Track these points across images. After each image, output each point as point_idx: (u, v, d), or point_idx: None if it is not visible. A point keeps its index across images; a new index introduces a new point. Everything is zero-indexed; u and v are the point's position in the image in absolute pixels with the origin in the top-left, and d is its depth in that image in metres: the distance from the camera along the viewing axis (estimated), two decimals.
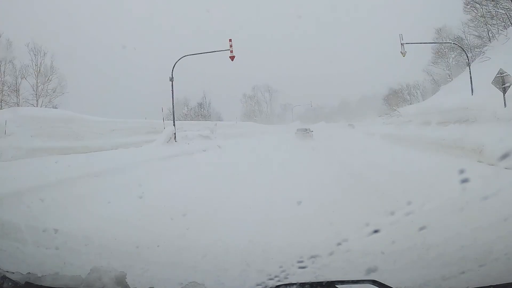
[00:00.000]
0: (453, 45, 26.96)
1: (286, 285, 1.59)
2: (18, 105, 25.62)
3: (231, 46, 18.59)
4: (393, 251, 2.68)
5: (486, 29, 25.26)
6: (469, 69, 18.37)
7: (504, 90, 10.27)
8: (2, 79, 27.26)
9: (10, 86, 27.67)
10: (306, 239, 3.40)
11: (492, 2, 24.38)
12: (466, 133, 10.14)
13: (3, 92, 26.92)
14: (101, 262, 1.94)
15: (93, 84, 45.69)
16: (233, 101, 54.99)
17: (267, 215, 4.69)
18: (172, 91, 18.32)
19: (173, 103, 18.71)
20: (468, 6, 26.30)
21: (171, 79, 18.19)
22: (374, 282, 1.64)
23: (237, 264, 2.69)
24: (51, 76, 29.16)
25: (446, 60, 30.91)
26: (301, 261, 1.62)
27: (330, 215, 4.45)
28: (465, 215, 3.24)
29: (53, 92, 29.23)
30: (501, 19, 24.73)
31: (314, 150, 15.94)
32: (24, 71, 28.51)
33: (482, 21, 25.43)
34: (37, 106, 27.04)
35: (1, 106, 24.95)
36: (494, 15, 24.72)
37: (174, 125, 17.73)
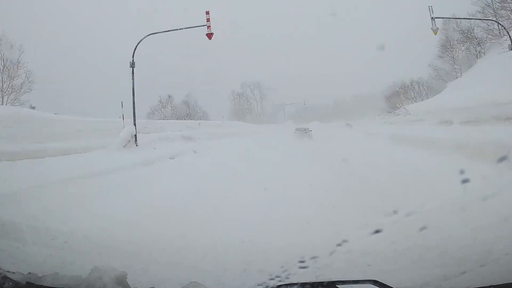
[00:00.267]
0: (466, 35, 25.35)
1: (287, 285, 1.59)
2: None
3: (208, 20, 14.42)
4: (394, 251, 2.69)
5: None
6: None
7: None
8: None
9: None
10: (306, 239, 3.40)
11: None
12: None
13: None
14: (101, 262, 1.93)
15: (93, 84, 45.66)
16: (221, 99, 52.90)
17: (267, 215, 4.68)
18: (133, 79, 14.20)
19: (133, 94, 14.26)
20: None
21: (132, 65, 14.04)
22: (375, 282, 1.64)
23: (238, 264, 2.70)
24: (17, 71, 25.64)
25: (452, 54, 29.44)
26: (303, 261, 1.62)
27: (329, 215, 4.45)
28: (466, 215, 3.23)
29: (20, 89, 25.79)
30: None
31: (320, 158, 12.58)
32: None
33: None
34: (1, 104, 23.81)
35: None
36: None
37: (134, 124, 13.70)
